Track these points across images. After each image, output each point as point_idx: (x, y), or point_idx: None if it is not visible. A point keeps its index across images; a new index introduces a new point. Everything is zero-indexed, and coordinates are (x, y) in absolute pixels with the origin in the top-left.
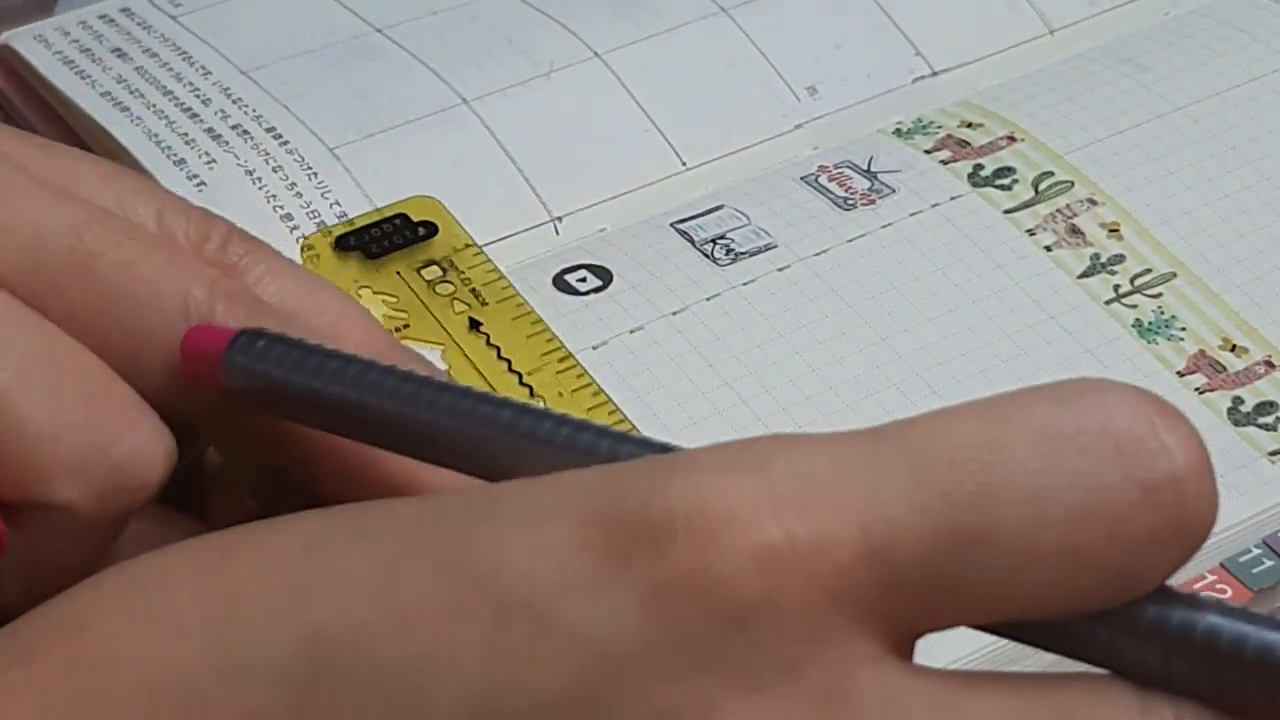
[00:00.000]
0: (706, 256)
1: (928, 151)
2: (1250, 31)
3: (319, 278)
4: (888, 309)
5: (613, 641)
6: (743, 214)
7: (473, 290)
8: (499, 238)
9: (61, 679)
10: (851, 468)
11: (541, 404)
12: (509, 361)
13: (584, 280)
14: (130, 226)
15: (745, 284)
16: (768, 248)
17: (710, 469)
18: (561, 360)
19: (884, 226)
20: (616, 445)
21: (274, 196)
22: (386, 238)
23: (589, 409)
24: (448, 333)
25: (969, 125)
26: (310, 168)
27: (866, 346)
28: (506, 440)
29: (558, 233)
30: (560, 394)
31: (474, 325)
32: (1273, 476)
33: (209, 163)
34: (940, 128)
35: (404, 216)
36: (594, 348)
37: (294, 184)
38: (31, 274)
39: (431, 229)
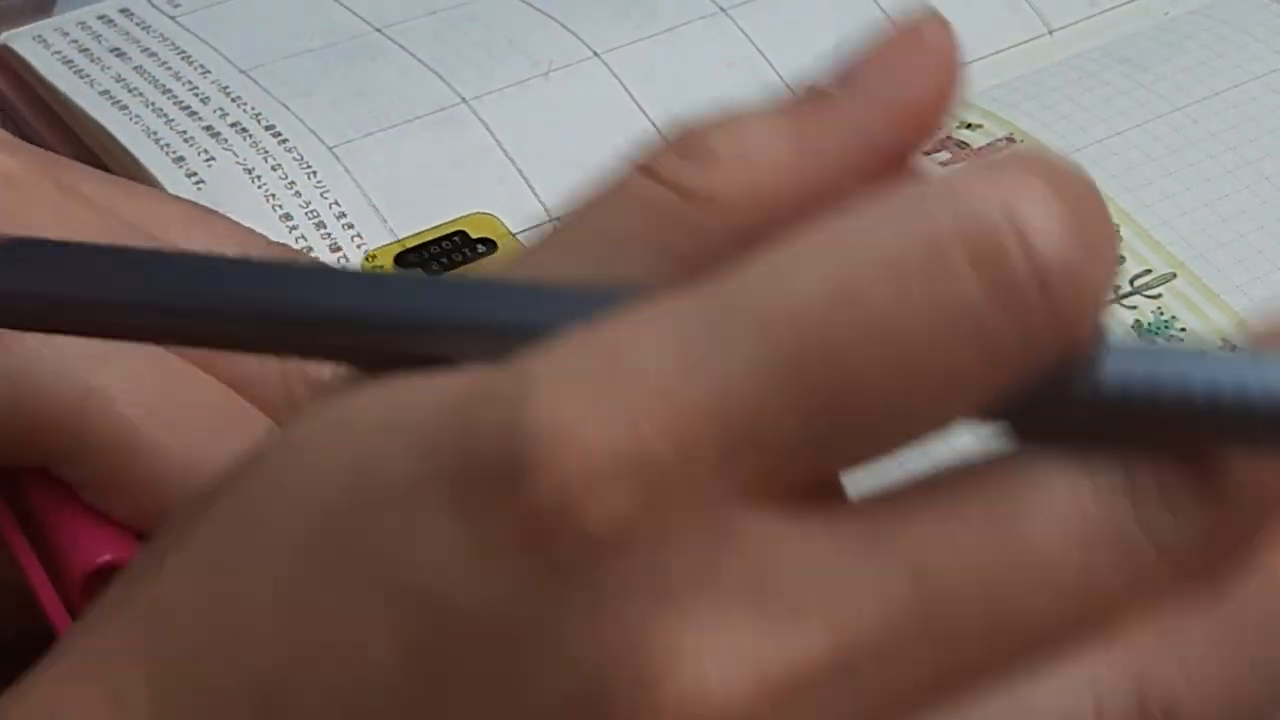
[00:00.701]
0: None
1: (927, 153)
2: (1250, 32)
3: None
4: None
5: (516, 608)
6: None
7: None
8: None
9: None
10: (699, 354)
11: None
12: None
13: None
14: None
15: None
16: None
17: (559, 389)
18: None
19: None
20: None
21: (273, 195)
22: (445, 255)
23: None
24: None
25: (968, 126)
26: (309, 166)
27: None
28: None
29: None
30: None
31: None
32: None
33: (208, 161)
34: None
35: (463, 234)
36: None
37: (293, 182)
38: None
39: (491, 246)
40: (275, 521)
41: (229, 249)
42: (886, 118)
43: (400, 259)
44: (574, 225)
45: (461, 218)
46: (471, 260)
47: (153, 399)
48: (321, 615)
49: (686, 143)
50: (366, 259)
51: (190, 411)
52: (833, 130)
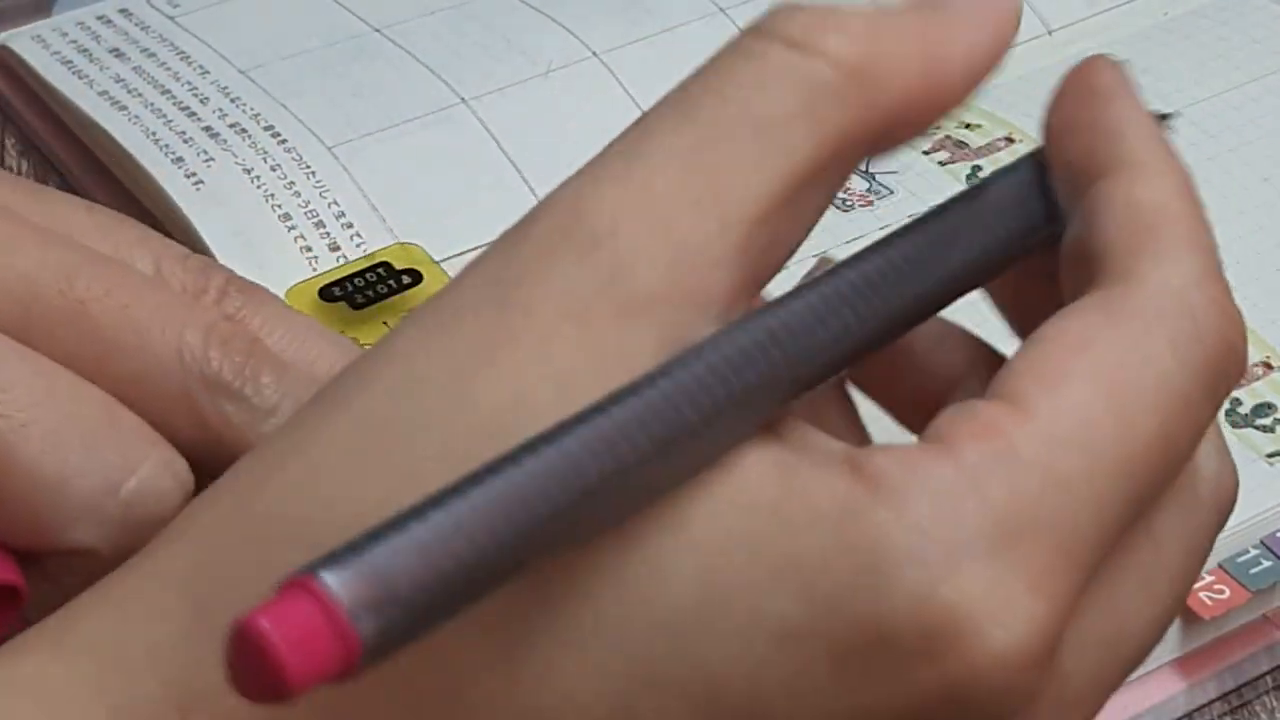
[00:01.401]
0: None
1: (926, 152)
2: (1249, 32)
3: (317, 325)
4: None
5: None
6: None
7: None
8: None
9: None
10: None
11: None
12: None
13: None
14: (123, 271)
15: None
16: None
17: (971, 567)
18: None
19: (882, 228)
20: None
21: (272, 195)
22: (370, 287)
23: None
24: None
25: (967, 126)
26: (308, 166)
27: None
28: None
29: None
30: None
31: None
32: (1271, 478)
33: (207, 161)
34: (938, 128)
35: (386, 265)
36: None
37: (292, 182)
38: (22, 321)
39: (416, 277)
40: (618, 619)
41: (139, 257)
42: (989, 38)
43: (325, 292)
44: (715, 105)
45: (383, 249)
46: (398, 292)
47: (28, 410)
48: None
49: (820, 17)
50: (289, 293)
51: (67, 425)
52: (947, 36)
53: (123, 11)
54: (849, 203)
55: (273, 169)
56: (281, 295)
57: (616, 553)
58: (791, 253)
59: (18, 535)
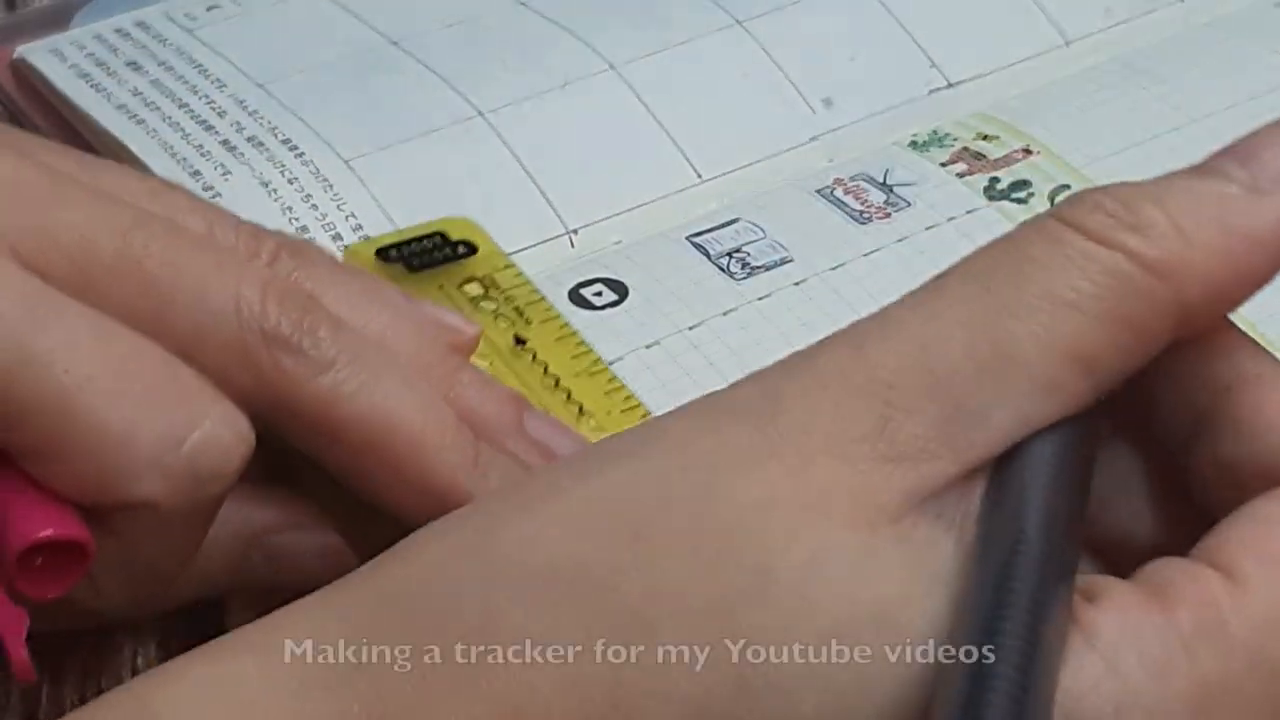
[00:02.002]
0: (722, 270)
1: (943, 164)
2: (1266, 43)
3: (369, 286)
4: None
5: None
6: (759, 227)
7: (516, 308)
8: (514, 250)
9: None
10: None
11: (592, 421)
12: (556, 379)
13: (599, 294)
14: (178, 229)
15: (761, 299)
16: (783, 261)
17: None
18: (609, 382)
19: (900, 240)
20: None
21: (289, 208)
22: (426, 253)
23: None
24: (494, 348)
25: (985, 138)
26: (325, 179)
27: None
28: None
29: (573, 245)
30: (609, 412)
31: (519, 342)
32: None
33: (224, 174)
34: (956, 140)
35: (442, 235)
36: (610, 363)
37: (309, 195)
38: (79, 279)
39: (470, 248)
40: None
41: (192, 222)
42: None
43: (382, 252)
44: (1012, 280)
45: (438, 220)
46: (455, 260)
47: (91, 366)
48: None
49: (1125, 211)
50: (346, 252)
51: (130, 380)
52: (1252, 214)
53: (140, 25)
54: (866, 215)
55: (290, 182)
56: (338, 252)
57: None
58: (1071, 414)
59: (83, 491)
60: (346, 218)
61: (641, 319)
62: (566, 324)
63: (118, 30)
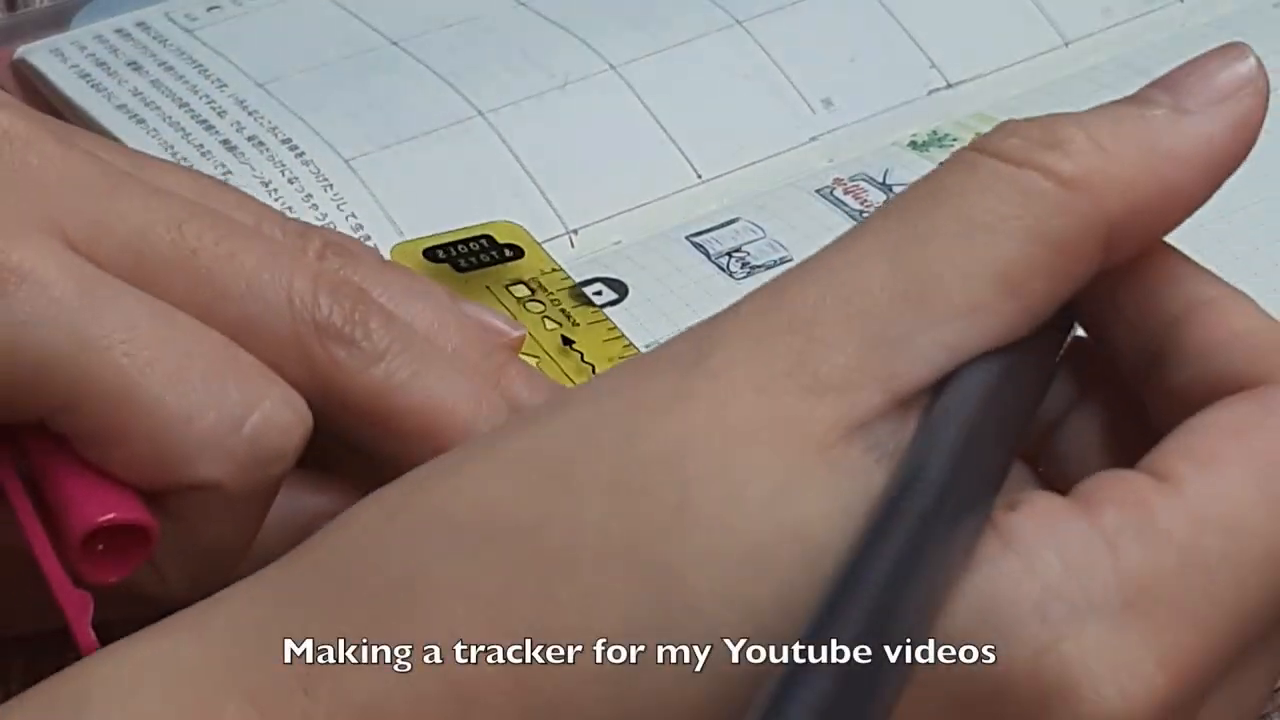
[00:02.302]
0: (722, 270)
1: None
2: (1265, 44)
3: (417, 283)
4: None
5: None
6: (758, 227)
7: (562, 310)
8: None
9: None
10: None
11: None
12: None
13: (599, 294)
14: (230, 221)
15: None
16: (783, 261)
17: (1055, 616)
18: None
19: None
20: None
21: (290, 208)
22: (474, 255)
23: None
24: (542, 347)
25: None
26: (325, 179)
27: None
28: None
29: (573, 245)
30: None
31: (567, 343)
32: None
33: (225, 174)
34: (955, 140)
35: (489, 238)
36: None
37: (309, 195)
38: (135, 269)
39: (517, 252)
40: None
41: (242, 218)
42: (1225, 128)
43: (429, 253)
44: (926, 208)
45: (485, 224)
46: (501, 263)
47: (150, 349)
48: None
49: (1041, 132)
50: (393, 251)
51: (189, 363)
52: (1175, 133)
53: (140, 25)
54: (866, 215)
55: (290, 181)
56: (386, 252)
57: None
58: (1002, 343)
59: (145, 474)
60: (347, 218)
61: (641, 318)
62: (614, 326)
63: (118, 30)
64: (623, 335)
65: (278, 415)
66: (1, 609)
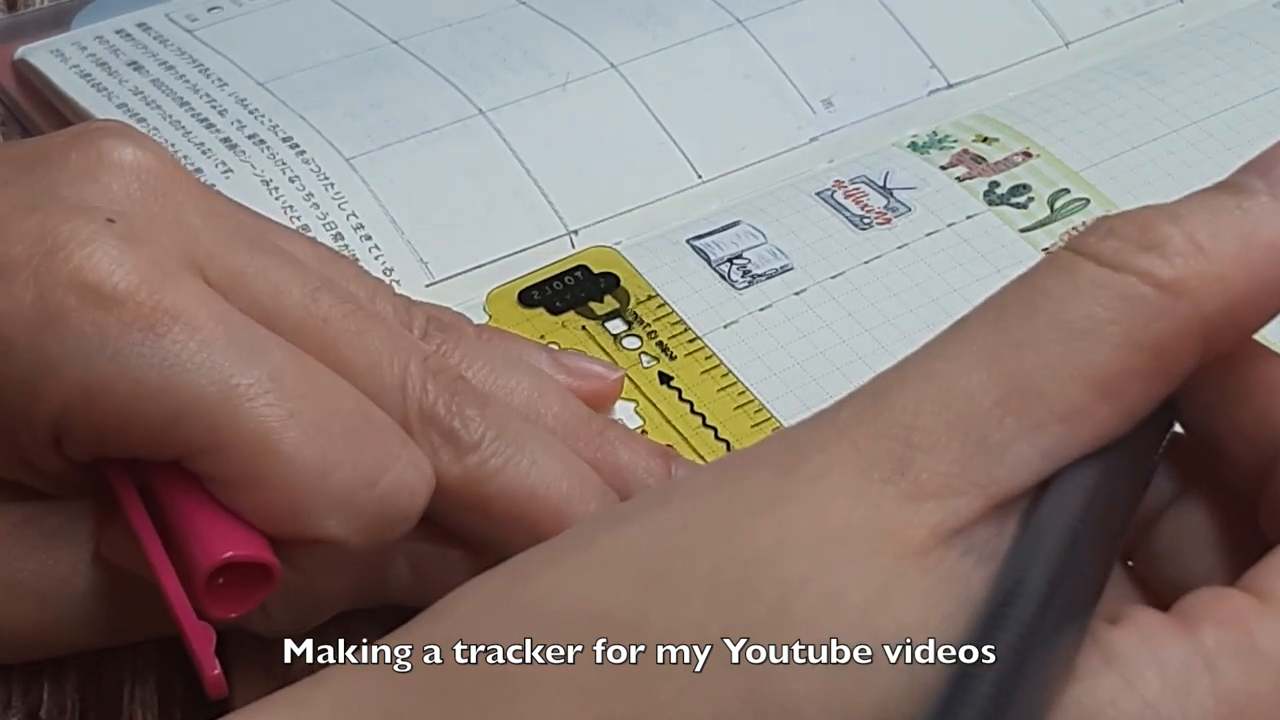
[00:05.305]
0: (723, 278)
1: (943, 167)
2: (1265, 44)
3: (514, 352)
4: (905, 332)
5: None
6: (759, 231)
7: (659, 343)
8: (515, 250)
9: None
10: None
11: None
12: (703, 416)
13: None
14: (355, 297)
15: (762, 309)
16: (784, 269)
17: None
18: (756, 413)
19: (900, 247)
20: None
21: (290, 207)
22: (569, 291)
23: None
24: (638, 388)
25: (984, 140)
26: (326, 178)
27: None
28: None
29: (573, 246)
30: None
31: (664, 380)
32: None
33: (225, 173)
34: (956, 141)
35: (584, 269)
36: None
37: (310, 194)
38: (266, 325)
39: (612, 280)
40: None
41: (358, 290)
42: None
43: (524, 296)
44: (1024, 314)
45: (582, 252)
46: (596, 297)
47: (294, 401)
48: None
49: (1138, 232)
50: (490, 296)
51: (329, 418)
52: (1273, 224)
53: (141, 25)
54: (867, 220)
55: (291, 180)
56: (483, 298)
57: None
58: (1100, 445)
59: (274, 523)
60: (347, 216)
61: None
62: (712, 354)
63: (119, 31)
64: (721, 364)
65: (408, 477)
66: (113, 622)
